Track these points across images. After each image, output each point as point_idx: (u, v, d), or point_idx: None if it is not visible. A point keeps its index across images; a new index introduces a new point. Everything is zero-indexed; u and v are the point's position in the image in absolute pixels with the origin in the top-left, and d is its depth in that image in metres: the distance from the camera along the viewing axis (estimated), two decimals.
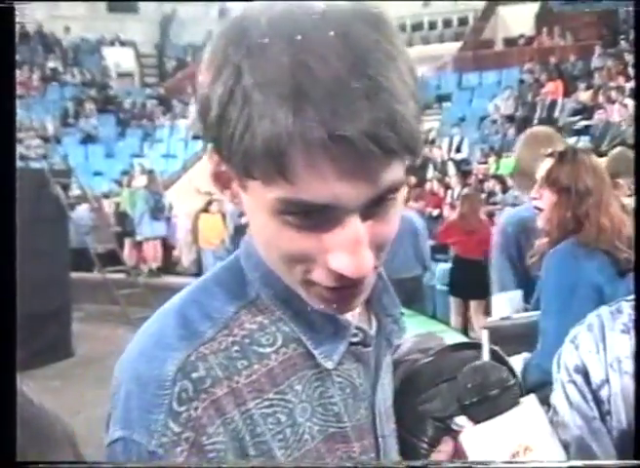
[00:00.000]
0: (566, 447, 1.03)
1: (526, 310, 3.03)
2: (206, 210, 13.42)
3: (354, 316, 0.96)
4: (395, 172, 0.78)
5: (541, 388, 2.59)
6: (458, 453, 0.97)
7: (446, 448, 1.00)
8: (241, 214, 12.50)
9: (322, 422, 0.90)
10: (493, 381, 0.92)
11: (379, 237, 0.83)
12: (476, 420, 0.91)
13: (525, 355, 2.59)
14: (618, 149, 3.64)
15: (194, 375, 0.84)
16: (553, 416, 1.11)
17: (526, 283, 3.13)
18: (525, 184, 3.27)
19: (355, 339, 0.94)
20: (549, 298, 2.63)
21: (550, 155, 2.79)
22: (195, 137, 21.29)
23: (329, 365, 0.91)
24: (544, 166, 2.77)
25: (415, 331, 1.13)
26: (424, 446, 0.98)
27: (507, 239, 3.21)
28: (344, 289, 0.84)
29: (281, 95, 0.73)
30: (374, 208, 0.80)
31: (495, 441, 0.89)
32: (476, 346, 1.03)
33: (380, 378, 0.97)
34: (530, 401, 0.93)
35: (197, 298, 0.92)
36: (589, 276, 2.57)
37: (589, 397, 1.10)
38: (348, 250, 0.80)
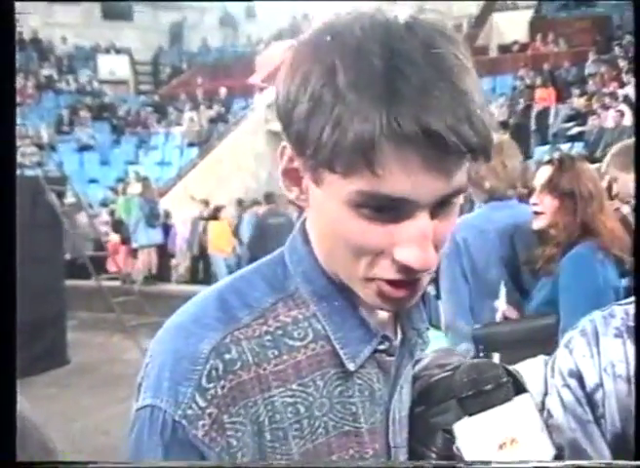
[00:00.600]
0: (561, 449, 1.04)
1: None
2: (214, 217, 13.54)
3: (383, 325, 1.00)
4: (463, 174, 0.86)
5: None
6: None
7: None
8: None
9: (338, 419, 0.94)
10: (487, 377, 0.96)
11: (439, 236, 0.88)
12: (469, 412, 0.95)
13: (542, 357, 2.58)
14: (618, 145, 3.64)
15: (226, 356, 0.88)
16: (548, 419, 1.12)
17: (477, 290, 3.17)
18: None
19: (381, 347, 0.97)
20: (576, 302, 2.61)
21: (549, 162, 2.86)
22: (190, 145, 21.32)
23: (351, 366, 0.95)
24: (543, 172, 2.83)
25: (433, 346, 1.14)
26: (433, 455, 1.00)
27: (457, 248, 3.19)
28: (404, 284, 0.90)
29: (374, 94, 0.79)
30: (440, 207, 0.87)
31: (484, 431, 0.93)
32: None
33: (399, 387, 1.00)
34: (523, 398, 0.96)
35: (238, 287, 0.97)
36: (612, 279, 2.64)
37: (583, 400, 1.11)
38: (417, 243, 0.85)
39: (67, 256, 10.53)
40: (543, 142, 15.98)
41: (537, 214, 2.86)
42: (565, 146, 14.80)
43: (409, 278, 0.89)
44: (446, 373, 1.06)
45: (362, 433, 0.96)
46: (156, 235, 13.77)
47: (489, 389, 0.95)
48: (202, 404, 0.86)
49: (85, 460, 0.81)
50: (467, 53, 0.87)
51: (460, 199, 0.90)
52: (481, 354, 2.83)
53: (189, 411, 0.86)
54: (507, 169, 3.12)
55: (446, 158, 0.82)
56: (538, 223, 2.87)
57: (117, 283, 12.25)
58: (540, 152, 14.87)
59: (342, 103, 0.80)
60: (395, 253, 0.86)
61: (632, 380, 1.08)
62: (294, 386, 0.92)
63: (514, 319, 3.00)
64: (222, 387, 0.87)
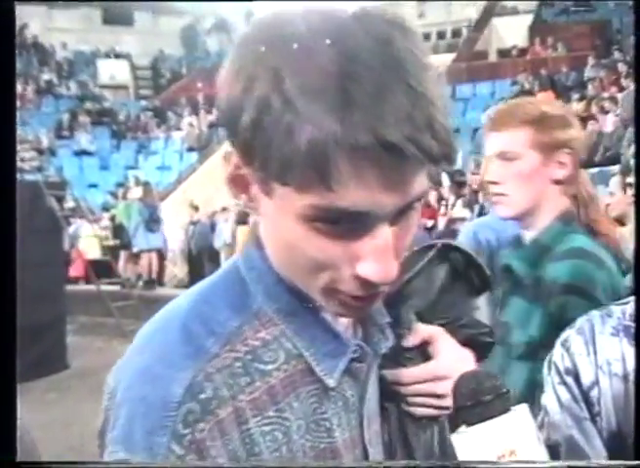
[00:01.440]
0: (557, 447, 1.05)
1: None
2: (244, 222, 13.17)
3: (345, 328, 0.95)
4: (423, 180, 0.80)
5: None
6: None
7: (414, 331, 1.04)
8: (243, 221, 12.51)
9: (313, 438, 0.90)
10: (486, 388, 0.95)
11: (400, 244, 0.84)
12: (468, 423, 0.94)
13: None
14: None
15: (202, 397, 0.82)
16: (544, 417, 1.13)
17: None
18: None
19: (354, 355, 0.93)
20: None
21: None
22: (190, 149, 21.33)
23: (330, 382, 0.90)
24: None
25: None
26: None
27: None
28: (366, 296, 0.85)
29: (326, 100, 0.73)
30: (400, 216, 0.81)
31: (483, 443, 0.93)
32: None
33: (369, 388, 0.97)
34: (521, 409, 0.96)
35: (200, 311, 0.90)
36: (621, 279, 2.64)
37: (580, 398, 1.12)
38: (376, 257, 0.80)
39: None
40: None
41: None
42: None
43: (371, 292, 0.85)
44: None
45: (337, 447, 0.91)
46: (156, 239, 13.77)
47: (488, 400, 0.94)
48: (180, 451, 0.80)
49: (85, 460, 0.81)
50: (422, 45, 0.80)
51: (421, 203, 0.85)
52: None
53: (167, 462, 0.80)
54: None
55: (403, 168, 0.76)
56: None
57: (117, 287, 12.26)
58: None
59: (292, 111, 0.74)
60: (356, 268, 0.81)
61: (629, 378, 1.08)
62: (270, 413, 0.87)
63: None
64: (201, 430, 0.81)
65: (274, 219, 0.84)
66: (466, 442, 0.93)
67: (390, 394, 1.03)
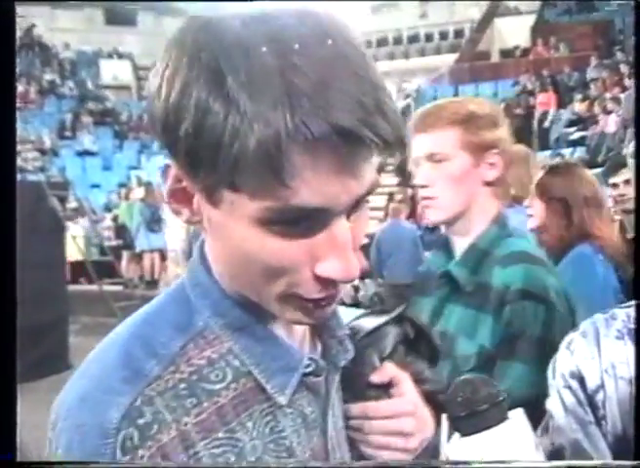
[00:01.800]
0: (562, 451, 1.04)
1: None
2: None
3: (301, 342, 0.94)
4: (373, 171, 0.78)
5: None
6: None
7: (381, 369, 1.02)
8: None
9: (273, 458, 0.87)
10: (482, 396, 0.92)
11: (357, 239, 0.82)
12: (464, 433, 0.92)
13: None
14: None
15: (140, 422, 0.79)
16: (549, 421, 1.13)
17: None
18: None
19: (308, 370, 0.90)
20: (577, 300, 2.67)
21: (543, 168, 2.99)
22: None
23: (281, 400, 0.88)
24: (537, 178, 2.96)
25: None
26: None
27: None
28: (320, 301, 0.82)
29: (272, 95, 0.70)
30: (354, 209, 0.79)
31: (479, 455, 0.90)
32: None
33: (330, 403, 0.94)
34: (517, 417, 0.93)
35: (141, 333, 0.87)
36: (612, 279, 2.72)
37: (585, 402, 1.11)
38: (337, 254, 0.78)
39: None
40: (545, 148, 15.96)
41: (529, 216, 3.00)
42: (567, 151, 14.79)
43: (330, 293, 0.82)
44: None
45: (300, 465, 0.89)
46: (158, 240, 13.77)
47: (483, 409, 0.92)
48: None
49: (85, 460, 0.80)
50: (358, 38, 0.78)
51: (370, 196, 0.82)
52: None
53: None
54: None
55: (356, 157, 0.74)
56: (530, 224, 2.98)
57: (119, 288, 12.25)
58: (542, 157, 14.87)
59: (236, 111, 0.71)
60: (316, 268, 0.79)
61: (633, 382, 1.08)
62: (220, 434, 0.83)
63: None
64: (142, 457, 0.78)
65: (224, 230, 0.80)
66: (461, 453, 0.91)
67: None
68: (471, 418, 0.91)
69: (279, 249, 0.77)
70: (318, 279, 0.80)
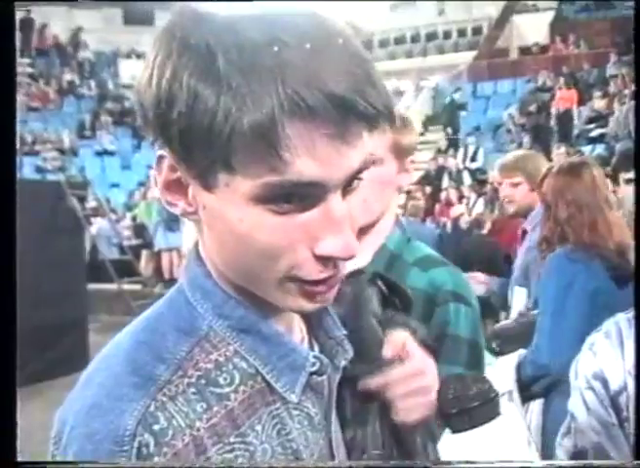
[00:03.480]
0: (584, 453, 1.04)
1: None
2: None
3: (301, 344, 0.93)
4: (364, 147, 0.79)
5: (536, 382, 2.75)
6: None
7: (390, 341, 1.02)
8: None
9: (279, 462, 0.86)
10: (474, 394, 0.92)
11: (354, 218, 0.82)
12: (455, 430, 0.91)
13: (521, 351, 2.79)
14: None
15: (156, 428, 0.78)
16: (571, 423, 1.12)
17: None
18: None
19: (313, 369, 0.89)
20: (546, 300, 2.80)
21: (549, 170, 3.02)
22: None
23: (292, 398, 0.87)
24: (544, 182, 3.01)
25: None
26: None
27: None
28: (325, 280, 0.83)
29: (263, 70, 0.72)
30: (349, 187, 0.80)
31: (471, 453, 0.89)
32: None
33: (333, 404, 0.94)
34: (510, 413, 0.93)
35: (145, 340, 0.86)
36: (584, 279, 2.73)
37: (607, 403, 1.10)
38: (334, 231, 0.79)
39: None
40: (565, 145, 15.87)
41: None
42: (587, 148, 14.71)
43: (331, 273, 0.82)
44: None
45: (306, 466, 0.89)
46: (176, 238, 13.80)
47: (475, 406, 0.91)
48: None
49: (86, 460, 0.79)
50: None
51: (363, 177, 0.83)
52: (497, 349, 2.98)
53: None
54: None
55: (348, 128, 0.75)
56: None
57: (138, 286, 12.29)
58: (561, 155, 14.79)
59: (228, 89, 0.72)
60: (315, 247, 0.79)
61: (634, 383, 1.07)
62: (231, 439, 0.83)
63: (519, 316, 3.18)
64: (157, 464, 0.78)
65: (220, 213, 0.80)
66: (452, 451, 0.90)
67: (368, 410, 1.01)
68: (463, 415, 0.91)
69: (276, 227, 0.78)
70: (318, 258, 0.80)
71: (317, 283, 0.82)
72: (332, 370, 0.93)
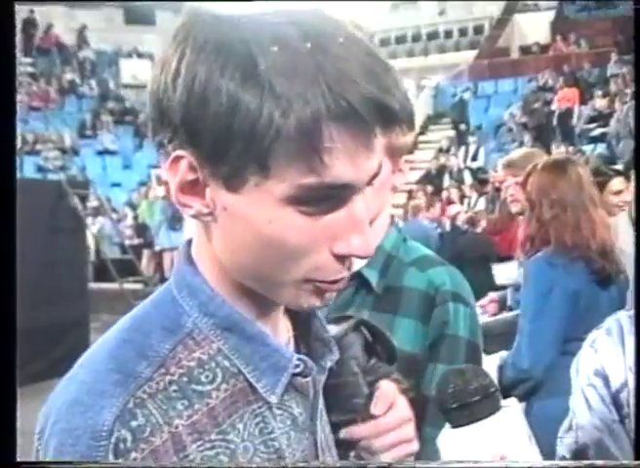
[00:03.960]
0: (586, 449, 1.04)
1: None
2: None
3: (287, 345, 0.94)
4: (380, 149, 0.81)
5: (517, 386, 2.76)
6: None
7: (380, 394, 1.00)
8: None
9: (264, 460, 0.87)
10: (474, 388, 0.92)
11: (371, 218, 0.86)
12: (455, 424, 0.91)
13: (502, 353, 2.80)
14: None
15: (133, 424, 0.79)
16: (573, 420, 1.12)
17: None
18: None
19: (297, 370, 0.89)
20: (526, 302, 2.82)
21: (534, 167, 2.99)
22: None
23: (272, 399, 0.87)
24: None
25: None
26: (363, 408, 0.98)
27: None
28: (336, 282, 0.84)
29: (306, 75, 0.73)
30: (366, 187, 0.82)
31: (471, 447, 0.89)
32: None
33: (319, 406, 0.94)
34: (511, 408, 0.93)
35: (129, 338, 0.86)
36: (564, 282, 2.74)
37: (608, 400, 1.10)
38: (356, 231, 0.81)
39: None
40: (566, 144, 15.87)
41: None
42: (588, 147, 14.71)
43: (348, 272, 0.84)
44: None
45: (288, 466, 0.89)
46: (178, 238, 13.81)
47: (475, 401, 0.91)
48: None
49: (86, 460, 0.79)
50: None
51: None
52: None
53: None
54: None
55: (376, 132, 0.77)
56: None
57: (139, 286, 12.30)
58: (563, 154, 14.79)
59: (270, 94, 0.73)
60: (335, 247, 0.81)
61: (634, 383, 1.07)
62: (212, 436, 0.83)
63: (501, 315, 3.29)
64: (134, 460, 0.78)
65: (245, 216, 0.80)
66: (452, 446, 0.90)
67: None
68: (463, 410, 0.91)
69: (303, 229, 0.79)
70: (337, 258, 0.82)
71: (334, 282, 0.84)
72: (317, 372, 0.93)
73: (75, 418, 0.79)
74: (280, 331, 0.94)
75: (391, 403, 1.01)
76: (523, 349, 2.70)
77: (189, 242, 0.93)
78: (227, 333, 0.87)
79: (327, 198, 0.78)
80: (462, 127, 19.43)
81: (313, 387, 0.93)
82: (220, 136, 0.76)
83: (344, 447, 0.99)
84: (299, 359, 0.90)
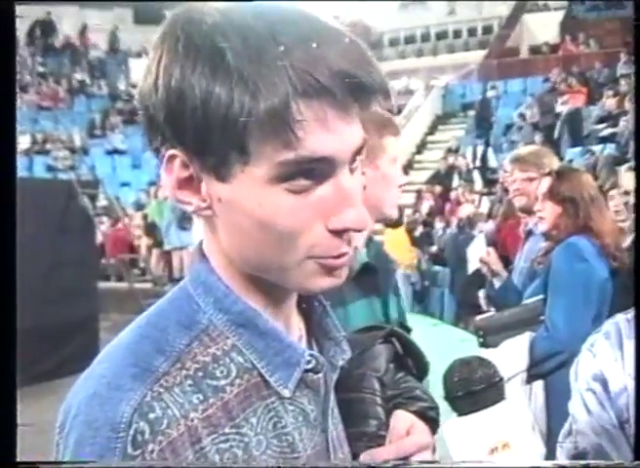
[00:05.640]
0: (585, 454, 1.04)
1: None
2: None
3: (300, 341, 0.95)
4: (359, 124, 0.85)
5: (551, 358, 2.79)
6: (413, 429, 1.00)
7: (395, 423, 1.01)
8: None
9: (277, 454, 0.88)
10: (479, 377, 0.94)
11: (361, 195, 0.87)
12: (460, 412, 0.93)
13: (528, 334, 2.92)
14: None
15: (151, 416, 0.81)
16: (572, 424, 1.12)
17: None
18: None
19: (309, 366, 0.91)
20: (560, 282, 2.96)
21: (548, 174, 3.21)
22: None
23: (285, 393, 0.89)
24: (544, 183, 3.19)
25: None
26: (374, 429, 0.99)
27: None
28: (342, 255, 0.86)
29: (271, 56, 0.78)
30: (352, 165, 0.85)
31: (475, 435, 0.91)
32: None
33: (330, 403, 0.95)
34: (515, 398, 0.95)
35: (147, 333, 0.89)
36: (597, 268, 2.95)
37: (608, 405, 1.10)
38: (347, 204, 0.84)
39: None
40: (575, 144, 15.83)
41: (540, 219, 3.24)
42: (597, 148, 14.66)
43: (345, 251, 0.86)
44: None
45: (301, 461, 0.90)
46: (188, 237, 13.82)
47: (480, 389, 0.93)
48: None
49: (86, 460, 0.81)
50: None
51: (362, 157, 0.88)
52: (480, 340, 3.14)
53: None
54: None
55: (351, 105, 0.81)
56: (541, 227, 3.28)
57: (148, 285, 12.33)
58: (572, 154, 14.75)
59: (240, 80, 0.78)
60: (329, 223, 0.84)
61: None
62: (226, 430, 0.85)
63: (509, 308, 3.29)
64: (152, 451, 0.80)
65: (238, 203, 0.84)
66: (457, 434, 0.92)
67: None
68: (468, 398, 0.93)
69: (293, 207, 0.82)
70: (333, 234, 0.84)
71: (337, 258, 0.86)
72: (329, 369, 0.95)
73: (95, 411, 0.81)
74: (292, 328, 0.96)
75: (407, 430, 1.02)
76: (560, 322, 2.85)
77: (202, 241, 0.96)
78: (242, 329, 0.89)
79: (310, 173, 0.82)
80: (486, 124, 19.31)
81: (325, 384, 0.94)
82: (199, 128, 0.80)
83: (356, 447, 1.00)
84: (310, 355, 0.91)
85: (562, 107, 17.34)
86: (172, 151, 0.84)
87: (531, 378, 2.83)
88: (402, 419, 1.03)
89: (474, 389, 0.93)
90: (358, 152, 0.85)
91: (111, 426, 0.80)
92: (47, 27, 23.63)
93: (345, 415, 1.01)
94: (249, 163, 0.81)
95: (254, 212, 0.83)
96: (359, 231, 0.86)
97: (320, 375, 0.93)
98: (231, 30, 0.80)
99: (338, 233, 0.85)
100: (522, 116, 18.01)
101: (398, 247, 11.24)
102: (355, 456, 0.99)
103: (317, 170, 0.82)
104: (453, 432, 0.93)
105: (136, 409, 0.80)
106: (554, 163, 3.65)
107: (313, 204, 0.83)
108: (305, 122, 0.78)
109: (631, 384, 1.09)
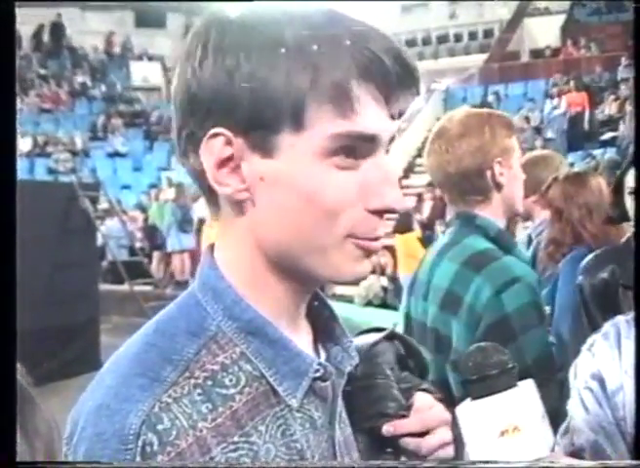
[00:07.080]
0: (582, 451, 1.06)
1: None
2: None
3: (306, 349, 0.94)
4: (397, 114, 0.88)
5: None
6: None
7: (418, 399, 1.03)
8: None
9: (286, 461, 0.88)
10: (493, 362, 0.97)
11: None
12: (474, 396, 0.96)
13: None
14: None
15: (160, 427, 0.81)
16: (570, 421, 1.14)
17: None
18: None
19: (317, 375, 0.90)
20: (563, 299, 2.85)
21: (555, 179, 3.14)
22: None
23: (293, 402, 0.89)
24: (555, 188, 3.12)
25: None
26: (393, 411, 1.00)
27: None
28: (377, 239, 0.88)
29: (333, 36, 0.82)
30: (387, 147, 0.89)
31: (487, 417, 0.94)
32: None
33: (337, 410, 0.95)
34: (527, 385, 0.97)
35: (154, 342, 0.88)
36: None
37: (605, 403, 1.12)
38: (387, 184, 0.86)
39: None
40: (577, 148, 15.85)
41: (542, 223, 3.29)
42: (598, 151, 14.68)
43: (381, 234, 0.88)
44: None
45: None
46: (188, 240, 13.84)
47: (493, 374, 0.96)
48: None
49: (86, 460, 0.81)
50: None
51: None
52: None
53: None
54: None
55: (394, 90, 0.85)
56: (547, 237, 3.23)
57: (149, 288, 12.34)
58: (573, 158, 14.77)
59: (301, 54, 0.81)
60: (371, 202, 0.86)
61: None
62: (235, 438, 0.85)
63: None
64: (153, 464, 0.80)
65: (284, 178, 0.84)
66: (470, 416, 0.95)
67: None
68: (481, 382, 0.96)
69: (339, 183, 0.84)
70: (373, 213, 0.86)
71: (372, 240, 0.88)
72: (336, 376, 0.95)
73: (102, 423, 0.81)
74: (301, 335, 0.96)
75: (430, 405, 1.03)
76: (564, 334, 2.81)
77: (212, 246, 0.95)
78: (251, 337, 0.89)
79: (355, 151, 0.84)
80: None
81: (332, 391, 0.94)
82: (254, 102, 0.82)
83: (381, 443, 1.01)
84: (319, 364, 0.91)
85: (563, 111, 17.35)
86: (215, 129, 0.84)
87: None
88: (423, 398, 1.04)
89: (488, 373, 0.96)
90: (393, 139, 0.89)
91: (119, 438, 0.80)
92: (56, 30, 23.67)
93: (362, 402, 1.01)
94: (301, 135, 0.83)
95: (301, 186, 0.84)
96: (398, 212, 0.88)
97: (328, 383, 0.93)
98: (290, 11, 0.84)
99: (377, 213, 0.87)
100: (527, 119, 18.01)
101: (410, 255, 10.72)
102: (379, 436, 1.00)
103: (363, 147, 0.84)
104: (465, 414, 0.97)
105: (144, 421, 0.80)
106: (563, 167, 3.62)
107: (358, 182, 0.85)
108: (363, 98, 0.82)
109: (628, 382, 1.10)
